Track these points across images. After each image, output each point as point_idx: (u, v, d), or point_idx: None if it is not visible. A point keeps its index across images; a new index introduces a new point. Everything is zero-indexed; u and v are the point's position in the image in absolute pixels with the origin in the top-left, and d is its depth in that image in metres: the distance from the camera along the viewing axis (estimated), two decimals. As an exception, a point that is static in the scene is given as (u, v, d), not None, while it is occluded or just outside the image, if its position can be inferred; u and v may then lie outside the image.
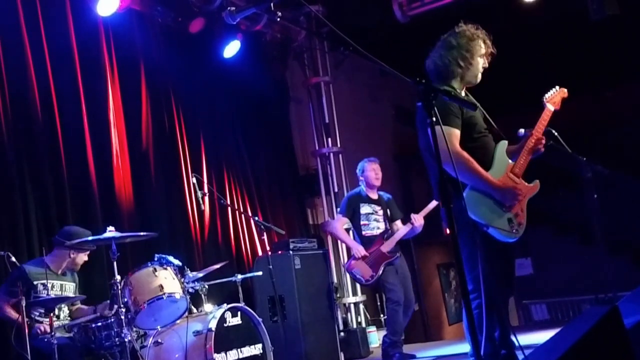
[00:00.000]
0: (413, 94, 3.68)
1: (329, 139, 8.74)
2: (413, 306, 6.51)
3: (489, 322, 3.81)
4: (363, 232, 6.34)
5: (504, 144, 3.87)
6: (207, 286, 5.04)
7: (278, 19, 5.62)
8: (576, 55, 8.06)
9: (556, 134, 4.46)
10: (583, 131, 8.32)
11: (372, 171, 6.45)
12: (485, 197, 3.67)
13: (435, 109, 2.94)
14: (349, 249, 8.46)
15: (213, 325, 4.61)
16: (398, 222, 6.47)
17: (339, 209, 6.70)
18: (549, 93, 4.01)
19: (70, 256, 4.79)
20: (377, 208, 6.43)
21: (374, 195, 6.48)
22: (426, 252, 7.12)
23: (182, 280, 4.72)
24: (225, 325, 4.78)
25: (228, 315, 4.84)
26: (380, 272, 6.17)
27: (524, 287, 9.72)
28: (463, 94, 3.94)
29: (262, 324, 5.12)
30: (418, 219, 6.17)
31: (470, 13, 7.45)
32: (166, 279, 4.52)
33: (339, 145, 8.75)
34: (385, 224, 6.39)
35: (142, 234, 4.54)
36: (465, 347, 5.10)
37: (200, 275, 5.02)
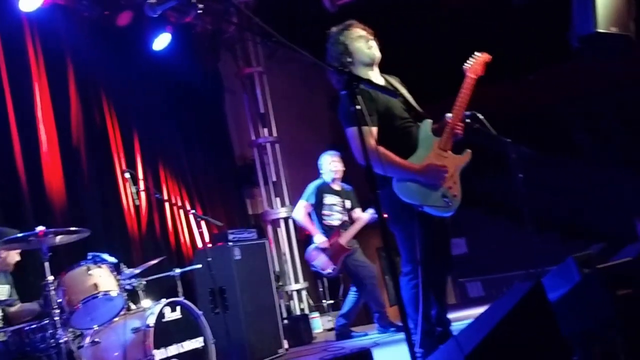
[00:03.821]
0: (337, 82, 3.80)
1: (265, 129, 8.77)
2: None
3: (425, 301, 3.94)
4: (324, 222, 6.54)
5: (428, 123, 3.96)
6: (144, 282, 5.01)
7: (200, 11, 5.57)
8: (499, 40, 8.28)
9: (482, 117, 4.59)
10: (508, 113, 8.60)
11: (331, 164, 6.66)
12: (413, 182, 3.77)
13: (358, 99, 3.02)
14: (290, 237, 8.61)
15: (151, 321, 4.59)
16: (357, 210, 6.68)
17: (303, 196, 6.74)
18: (468, 61, 4.07)
19: (0, 256, 4.70)
20: (339, 200, 6.64)
21: (336, 187, 6.70)
22: (366, 236, 7.23)
23: (118, 277, 4.68)
24: (164, 320, 4.75)
25: (167, 310, 4.82)
26: (339, 265, 6.41)
27: (460, 266, 9.98)
28: (382, 81, 4.04)
29: (202, 316, 5.12)
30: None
31: (397, 1, 7.63)
32: (101, 277, 4.47)
33: (275, 134, 8.79)
34: (345, 216, 6.62)
35: (72, 229, 4.46)
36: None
37: (137, 271, 4.99)
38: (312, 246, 6.55)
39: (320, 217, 6.55)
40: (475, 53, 4.14)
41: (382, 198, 3.87)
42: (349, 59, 3.95)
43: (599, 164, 9.67)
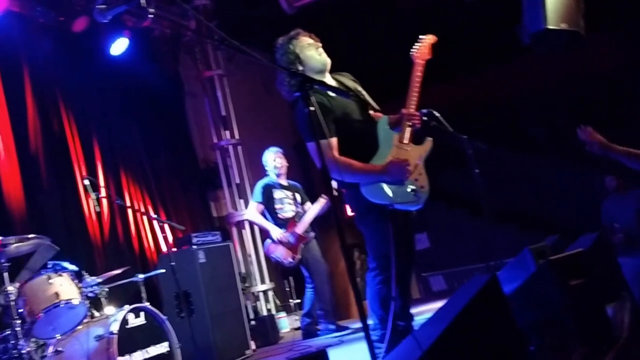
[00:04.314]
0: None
1: (227, 132, 8.77)
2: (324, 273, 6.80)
3: (389, 297, 3.99)
4: (278, 215, 6.65)
5: (384, 120, 3.98)
6: (106, 289, 4.99)
7: (151, 16, 5.56)
8: (453, 37, 8.43)
9: (438, 114, 4.67)
10: (465, 109, 8.77)
11: (274, 160, 6.78)
12: (378, 183, 3.79)
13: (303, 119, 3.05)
14: (255, 238, 8.63)
15: (115, 328, 4.57)
16: (308, 204, 6.83)
17: (252, 197, 6.85)
18: (415, 46, 4.11)
19: None
20: (289, 193, 6.76)
21: (284, 182, 6.81)
22: (331, 234, 7.32)
23: (80, 285, 4.67)
24: (127, 326, 4.74)
25: (130, 316, 4.81)
26: (299, 254, 6.51)
27: (422, 260, 10.17)
28: (334, 82, 4.06)
29: (167, 321, 5.11)
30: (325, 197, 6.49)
31: (353, 1, 7.70)
32: (62, 286, 4.46)
33: (237, 137, 8.80)
34: (297, 207, 6.75)
35: (30, 236, 4.42)
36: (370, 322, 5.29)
37: (99, 279, 4.97)
38: (269, 239, 6.64)
39: (273, 213, 6.66)
40: (420, 37, 4.18)
41: (348, 197, 3.93)
42: (300, 68, 3.98)
43: (554, 157, 9.90)
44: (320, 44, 4.07)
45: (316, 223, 6.96)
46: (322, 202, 6.67)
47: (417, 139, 4.01)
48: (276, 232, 6.54)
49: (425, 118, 4.37)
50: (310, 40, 4.05)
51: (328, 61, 4.05)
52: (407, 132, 3.92)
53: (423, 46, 4.14)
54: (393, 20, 8.08)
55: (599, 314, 3.88)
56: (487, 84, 9.88)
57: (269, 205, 6.69)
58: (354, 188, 3.83)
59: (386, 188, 3.78)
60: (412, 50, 4.10)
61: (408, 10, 7.94)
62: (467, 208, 9.97)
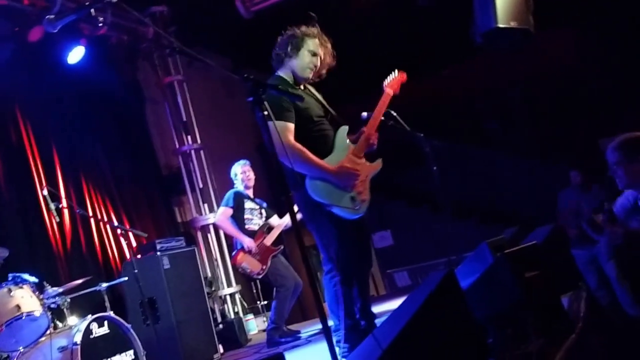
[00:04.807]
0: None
1: (189, 137, 8.75)
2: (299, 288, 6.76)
3: (348, 297, 4.06)
4: (246, 226, 6.58)
5: (344, 129, 4.11)
6: (68, 300, 4.96)
7: (100, 25, 5.55)
8: (411, 39, 8.59)
9: (395, 114, 4.76)
10: (423, 108, 8.93)
11: (244, 173, 6.73)
12: (324, 182, 3.89)
13: (268, 103, 3.10)
14: (220, 242, 8.62)
15: (78, 338, 4.55)
16: (275, 217, 6.80)
17: (223, 202, 6.74)
18: (388, 78, 4.33)
19: None
20: (256, 205, 6.74)
21: (251, 194, 6.77)
22: (294, 236, 7.38)
23: (41, 296, 4.64)
24: (91, 336, 4.72)
25: (94, 326, 4.79)
26: (269, 264, 6.45)
27: (387, 257, 10.35)
28: (302, 87, 4.16)
29: (131, 329, 5.10)
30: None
31: (309, 5, 7.74)
32: (23, 298, 4.43)
33: (199, 142, 8.79)
34: (264, 220, 6.71)
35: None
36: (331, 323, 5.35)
37: (61, 290, 4.94)
38: (239, 249, 6.57)
39: (241, 222, 6.60)
40: (395, 71, 4.38)
41: (297, 199, 3.99)
42: (287, 59, 4.09)
43: (510, 151, 10.11)
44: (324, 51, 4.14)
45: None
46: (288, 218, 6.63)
47: (369, 158, 4.15)
48: (248, 242, 6.46)
49: (382, 118, 4.49)
50: (317, 49, 4.11)
51: (309, 77, 4.15)
52: (363, 147, 4.07)
53: (395, 80, 4.36)
54: (350, 23, 8.16)
55: (555, 304, 3.99)
56: (443, 83, 10.05)
57: (238, 213, 6.62)
58: (301, 189, 3.90)
59: (329, 188, 3.89)
60: (385, 81, 4.31)
61: (365, 12, 8.03)
62: (429, 205, 10.14)
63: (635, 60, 9.45)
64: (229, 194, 6.75)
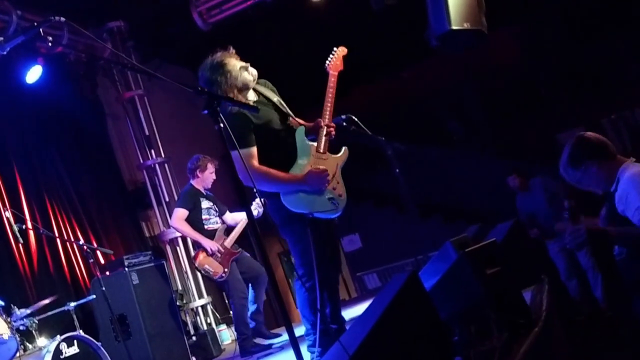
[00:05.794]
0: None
1: (152, 151, 8.73)
2: (265, 278, 6.52)
3: (321, 302, 4.10)
4: (205, 227, 6.40)
5: (301, 130, 4.10)
6: (36, 321, 4.94)
7: (50, 44, 5.52)
8: (368, 43, 8.71)
9: (355, 118, 4.80)
10: (384, 110, 9.05)
11: (212, 173, 6.51)
12: (298, 193, 3.91)
13: (229, 129, 3.12)
14: (190, 254, 8.57)
15: (48, 359, 4.55)
16: (227, 214, 6.60)
17: (178, 203, 6.53)
18: (329, 59, 4.26)
19: None
20: (212, 204, 6.53)
21: (204, 192, 6.55)
22: (265, 243, 7.37)
23: (9, 319, 4.62)
24: (62, 357, 4.72)
25: (64, 346, 4.78)
26: (229, 268, 6.28)
27: (356, 260, 10.45)
28: (252, 96, 4.13)
29: (101, 347, 5.10)
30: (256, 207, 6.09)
31: (267, 15, 7.84)
32: (-10, 322, 4.41)
33: (163, 155, 8.77)
34: (220, 219, 6.52)
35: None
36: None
37: (28, 311, 4.91)
38: (199, 250, 6.37)
39: (199, 223, 6.39)
40: (334, 49, 4.33)
41: (270, 207, 4.02)
42: (228, 88, 3.97)
43: (469, 151, 10.28)
44: (248, 64, 4.09)
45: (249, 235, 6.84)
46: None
47: (333, 148, 4.16)
48: (209, 244, 6.25)
49: (344, 124, 4.54)
50: (240, 63, 4.04)
51: (255, 76, 4.10)
52: (324, 141, 4.06)
53: (335, 58, 4.30)
54: (306, 29, 8.24)
55: (517, 299, 4.07)
56: (401, 84, 10.19)
57: (195, 214, 6.40)
58: (275, 198, 3.93)
59: (305, 197, 3.90)
60: (326, 63, 4.24)
61: (322, 17, 8.11)
62: (394, 206, 10.26)
63: (584, 52, 9.69)
64: (184, 194, 6.53)
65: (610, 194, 3.54)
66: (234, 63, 4.03)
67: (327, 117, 4.12)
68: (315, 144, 4.07)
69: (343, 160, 4.16)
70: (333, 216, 4.01)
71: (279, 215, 4.04)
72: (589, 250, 6.85)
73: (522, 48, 10.17)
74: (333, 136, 4.14)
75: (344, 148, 4.19)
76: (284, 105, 4.22)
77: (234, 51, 4.12)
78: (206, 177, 6.49)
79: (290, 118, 4.18)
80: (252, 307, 6.53)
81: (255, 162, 3.86)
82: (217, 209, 6.56)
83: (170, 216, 8.47)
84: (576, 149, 3.53)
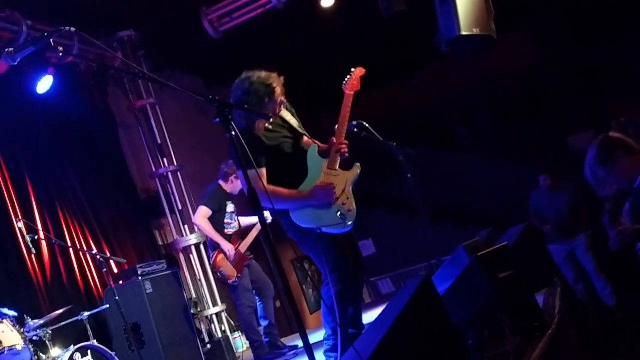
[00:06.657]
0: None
1: (165, 159, 8.75)
2: (272, 290, 6.66)
3: (344, 309, 4.11)
4: (225, 231, 6.43)
5: (314, 148, 4.15)
6: (50, 331, 4.95)
7: (60, 54, 5.57)
8: (379, 50, 8.72)
9: (367, 125, 4.82)
10: (393, 116, 9.08)
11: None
12: (306, 209, 3.96)
13: (239, 151, 3.13)
14: (203, 262, 8.58)
15: (62, 369, 4.57)
16: (242, 218, 6.62)
17: (204, 201, 6.51)
18: (346, 78, 4.32)
19: None
20: (235, 207, 6.55)
21: (232, 196, 6.57)
22: (279, 250, 7.37)
23: (23, 330, 4.64)
24: (75, 366, 4.74)
25: (77, 356, 4.80)
26: (242, 274, 6.35)
27: (370, 266, 10.43)
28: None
29: (115, 357, 5.12)
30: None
31: (277, 22, 7.86)
32: (4, 333, 4.43)
33: (175, 163, 8.79)
34: (239, 223, 6.55)
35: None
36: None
37: (42, 322, 4.93)
38: (219, 251, 6.38)
39: (220, 226, 6.41)
40: (352, 70, 4.38)
41: (285, 225, 4.05)
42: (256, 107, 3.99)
43: (480, 155, 10.26)
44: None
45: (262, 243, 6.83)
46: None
47: (346, 165, 4.19)
48: (228, 247, 6.29)
49: (355, 130, 4.56)
50: (280, 95, 4.05)
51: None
52: (335, 159, 4.10)
53: (352, 78, 4.35)
54: (317, 38, 8.26)
55: (529, 302, 4.06)
56: (410, 90, 10.20)
57: (219, 216, 6.42)
58: (286, 215, 3.96)
59: (313, 212, 3.95)
60: (343, 83, 4.29)
61: (331, 27, 8.13)
62: (406, 211, 10.26)
63: (592, 55, 9.66)
64: (212, 193, 6.52)
65: (637, 190, 3.57)
66: (278, 90, 4.04)
67: (340, 135, 4.15)
68: (326, 160, 4.11)
69: (354, 175, 4.19)
70: (342, 231, 4.02)
71: (296, 234, 4.09)
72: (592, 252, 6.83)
73: (530, 52, 10.15)
74: (345, 155, 4.17)
75: (356, 164, 4.23)
76: (302, 127, 4.26)
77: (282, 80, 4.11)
78: (238, 185, 6.46)
79: (305, 138, 4.21)
80: (264, 323, 6.56)
81: (263, 183, 3.84)
82: (236, 212, 6.56)
83: (184, 223, 8.61)
84: (604, 145, 3.60)
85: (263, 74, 4.06)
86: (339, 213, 3.98)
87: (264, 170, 3.94)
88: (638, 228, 3.53)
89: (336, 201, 4.00)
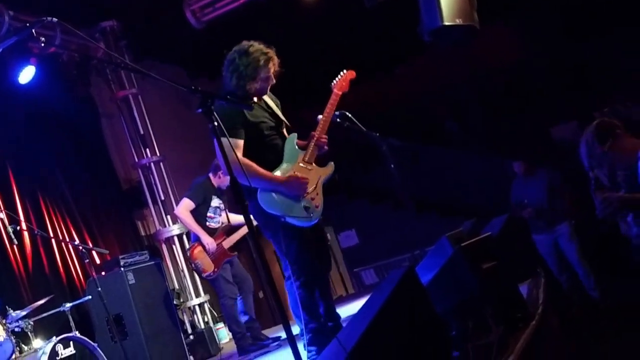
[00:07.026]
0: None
1: (147, 149, 8.70)
2: (251, 285, 6.64)
3: (310, 301, 4.10)
4: (208, 224, 6.39)
5: (293, 137, 4.15)
6: (32, 322, 4.92)
7: (42, 44, 5.50)
8: (363, 40, 8.72)
9: (350, 115, 4.81)
10: (385, 110, 9.10)
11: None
12: (276, 194, 3.94)
13: (219, 118, 3.12)
14: (186, 253, 8.53)
15: (44, 360, 4.54)
16: (232, 215, 6.50)
17: (188, 193, 6.46)
18: (336, 78, 4.34)
19: None
20: (221, 202, 6.50)
21: (220, 190, 6.52)
22: (262, 241, 7.36)
23: (4, 321, 4.60)
24: (58, 358, 4.71)
25: (59, 347, 4.77)
26: (220, 269, 6.28)
27: (353, 256, 10.47)
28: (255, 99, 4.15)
29: (98, 348, 5.09)
30: None
31: (260, 13, 7.82)
32: (-15, 324, 4.39)
33: (158, 154, 8.74)
34: (225, 217, 6.45)
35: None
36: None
37: (23, 313, 4.89)
38: (197, 243, 6.34)
39: (202, 218, 6.38)
40: (343, 71, 4.40)
41: (251, 209, 4.02)
42: (245, 88, 4.01)
43: (465, 146, 10.31)
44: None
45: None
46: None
47: (320, 162, 4.19)
48: (208, 240, 6.24)
49: (338, 120, 4.55)
50: (272, 71, 4.05)
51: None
52: (311, 151, 4.11)
53: (342, 79, 4.36)
54: (298, 28, 8.23)
55: (513, 293, 4.08)
56: (396, 82, 10.21)
57: (202, 209, 6.38)
58: (254, 198, 3.94)
59: (281, 200, 3.93)
60: (333, 81, 4.31)
61: (314, 18, 8.10)
62: (390, 202, 10.28)
63: (576, 47, 9.73)
64: (197, 186, 6.47)
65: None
66: (275, 61, 4.04)
67: (320, 129, 4.17)
68: (303, 152, 4.12)
69: (327, 174, 4.19)
70: (305, 225, 4.00)
71: (261, 218, 4.05)
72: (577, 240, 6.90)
73: (519, 46, 10.20)
74: (325, 150, 4.19)
75: (330, 163, 4.24)
76: (283, 117, 4.24)
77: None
78: (226, 179, 6.40)
79: (285, 125, 4.20)
80: (244, 318, 6.51)
81: (239, 153, 3.85)
82: (224, 207, 6.51)
83: (166, 214, 8.58)
84: (602, 125, 3.77)
85: (263, 44, 4.07)
86: (305, 207, 3.98)
87: (240, 142, 3.92)
88: (623, 196, 3.61)
89: (306, 195, 4.00)
